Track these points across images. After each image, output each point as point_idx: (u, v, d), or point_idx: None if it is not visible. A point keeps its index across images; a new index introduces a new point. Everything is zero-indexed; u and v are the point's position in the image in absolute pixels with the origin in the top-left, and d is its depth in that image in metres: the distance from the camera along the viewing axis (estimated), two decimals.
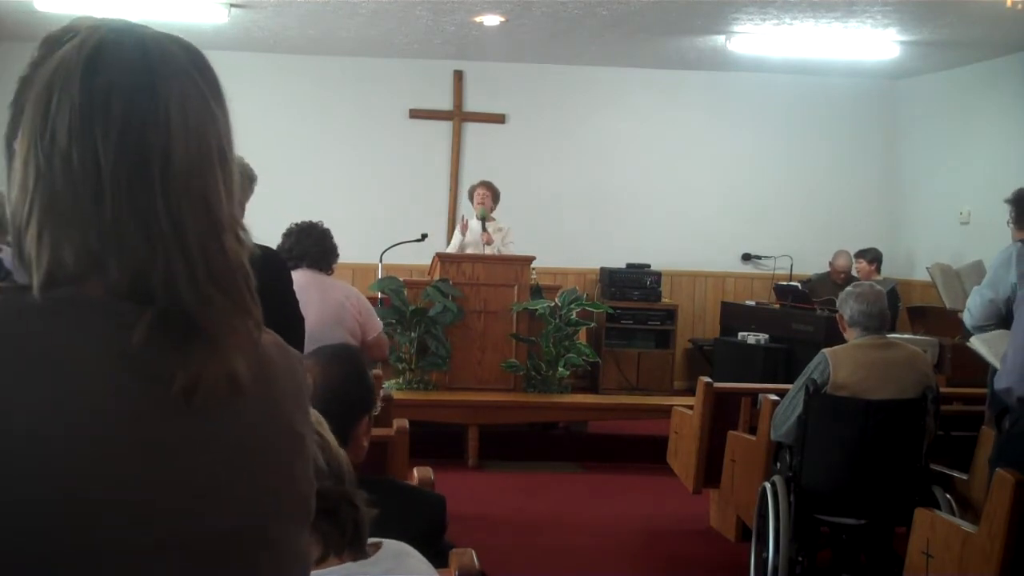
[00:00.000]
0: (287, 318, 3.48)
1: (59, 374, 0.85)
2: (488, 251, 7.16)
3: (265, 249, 3.67)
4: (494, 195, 7.48)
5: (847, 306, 4.07)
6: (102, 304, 0.89)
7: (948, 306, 5.88)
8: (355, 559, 1.38)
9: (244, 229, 0.97)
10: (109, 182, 0.88)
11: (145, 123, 0.90)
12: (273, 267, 3.53)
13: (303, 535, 1.02)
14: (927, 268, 6.91)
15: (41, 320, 0.87)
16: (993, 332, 4.32)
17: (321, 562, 1.38)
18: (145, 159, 0.90)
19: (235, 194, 0.97)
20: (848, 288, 4.19)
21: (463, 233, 7.33)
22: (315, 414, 1.43)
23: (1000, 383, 3.34)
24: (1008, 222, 4.84)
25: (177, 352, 0.88)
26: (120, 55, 0.91)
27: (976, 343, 4.43)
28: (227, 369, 0.90)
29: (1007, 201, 4.83)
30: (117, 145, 0.89)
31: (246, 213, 3.57)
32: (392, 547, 1.44)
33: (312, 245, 4.26)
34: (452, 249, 7.36)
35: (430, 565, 1.49)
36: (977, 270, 5.82)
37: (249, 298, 0.96)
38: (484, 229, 7.27)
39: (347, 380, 2.19)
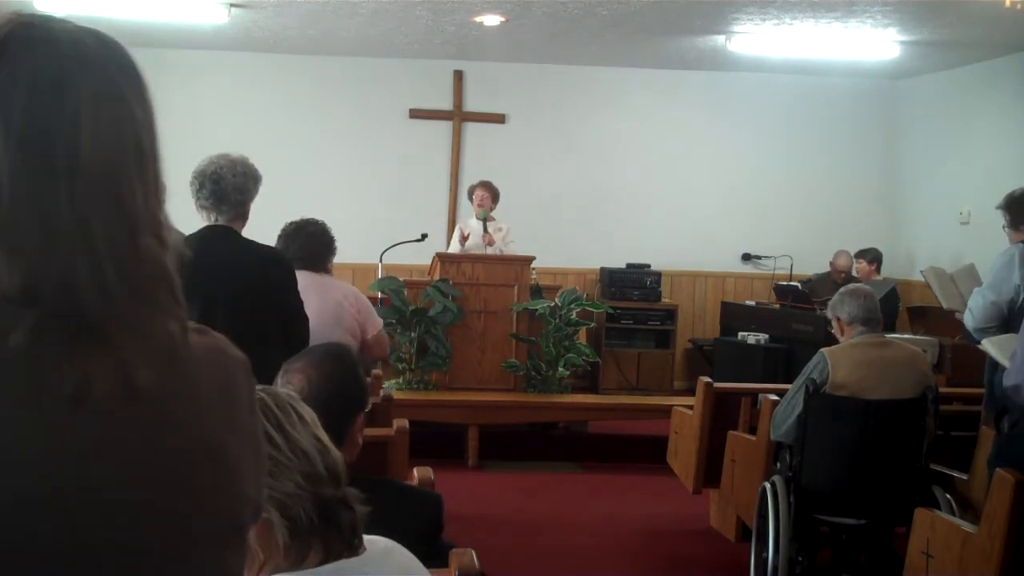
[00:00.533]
0: (292, 318, 3.49)
1: None
2: (490, 251, 7.16)
3: (272, 250, 3.68)
4: (493, 195, 7.47)
5: (844, 306, 4.07)
6: None
7: (945, 307, 5.89)
8: (347, 556, 1.39)
9: (167, 228, 0.94)
10: (8, 181, 0.85)
11: (50, 121, 0.86)
12: (280, 268, 3.54)
13: (225, 551, 0.96)
14: (921, 272, 6.92)
15: None
16: (1004, 335, 4.31)
17: (322, 565, 1.38)
18: (49, 157, 0.86)
19: (157, 192, 0.93)
20: (840, 290, 4.20)
21: (462, 242, 7.31)
22: (310, 414, 1.43)
23: (1009, 380, 3.34)
24: (1004, 227, 4.84)
25: (65, 356, 0.84)
26: (27, 49, 0.88)
27: (987, 345, 4.44)
28: (122, 373, 0.86)
29: (999, 207, 4.84)
30: (19, 143, 0.85)
31: (251, 213, 3.59)
32: (379, 544, 1.44)
33: (299, 249, 4.24)
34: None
35: (418, 561, 1.49)
36: (971, 273, 5.84)
37: (169, 299, 0.92)
38: (485, 230, 7.28)
39: (341, 379, 2.19)
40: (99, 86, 0.90)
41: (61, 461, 0.85)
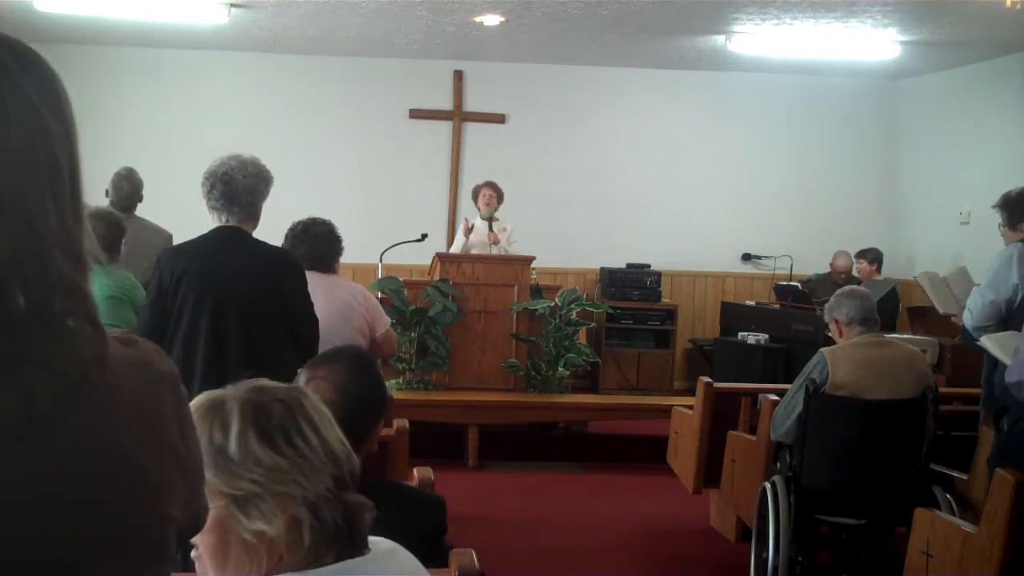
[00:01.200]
0: (303, 319, 3.49)
1: None
2: (494, 251, 7.17)
3: (283, 251, 3.69)
4: (499, 195, 7.49)
5: (842, 308, 4.08)
6: None
7: (941, 311, 5.89)
8: (352, 556, 1.39)
9: (86, 247, 0.89)
10: None
11: None
12: (291, 269, 3.55)
13: (144, 569, 0.94)
14: (914, 278, 6.92)
15: None
16: (1004, 333, 4.32)
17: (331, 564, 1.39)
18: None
19: (76, 210, 0.89)
20: (835, 294, 4.21)
21: (467, 235, 7.32)
22: (326, 415, 1.43)
23: (1011, 377, 3.34)
24: (1000, 226, 4.85)
25: None
26: None
27: (986, 342, 4.44)
28: (23, 400, 0.83)
29: (995, 207, 4.84)
30: None
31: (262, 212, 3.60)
32: (383, 544, 1.44)
33: (306, 250, 4.25)
34: (455, 250, 7.35)
35: (419, 563, 1.49)
36: (963, 275, 5.84)
37: (82, 323, 0.88)
38: (491, 229, 7.28)
39: (364, 386, 2.20)
40: (7, 98, 0.85)
41: None
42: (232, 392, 1.37)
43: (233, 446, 1.31)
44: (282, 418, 1.34)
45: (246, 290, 3.36)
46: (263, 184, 3.51)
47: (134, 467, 0.91)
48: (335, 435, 1.38)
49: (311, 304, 3.53)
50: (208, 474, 1.19)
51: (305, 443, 1.33)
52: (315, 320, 3.52)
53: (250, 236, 3.49)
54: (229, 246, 3.43)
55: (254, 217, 3.52)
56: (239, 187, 3.42)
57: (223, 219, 3.46)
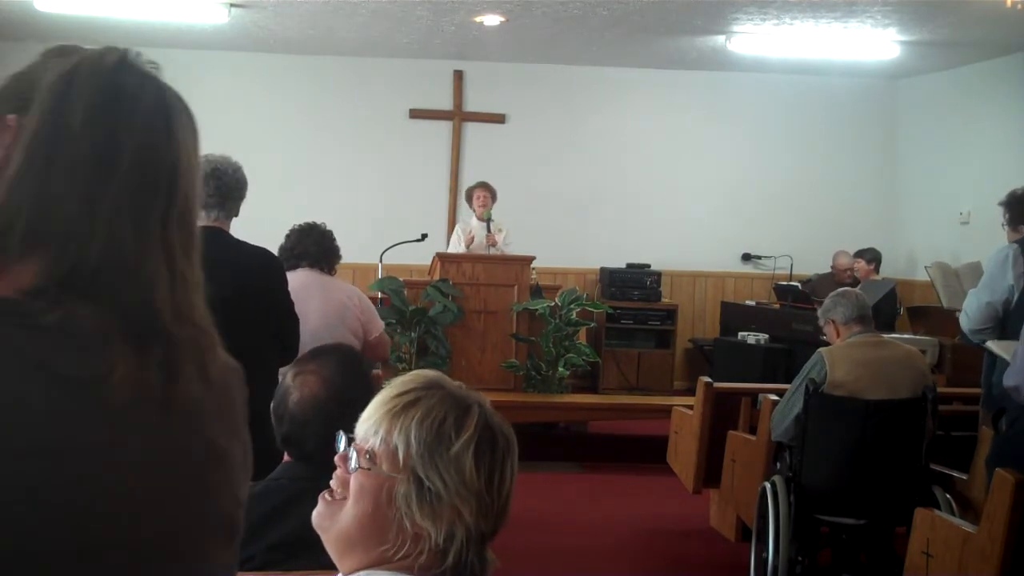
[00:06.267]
0: (285, 317, 3.49)
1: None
2: (492, 252, 7.17)
3: (263, 251, 3.69)
4: (493, 196, 7.51)
5: (838, 308, 4.09)
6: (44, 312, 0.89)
7: (946, 305, 5.89)
8: None
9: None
10: (113, 202, 0.93)
11: (159, 157, 0.96)
12: (273, 268, 3.54)
13: (223, 551, 1.01)
14: (926, 267, 6.92)
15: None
16: (1008, 342, 4.31)
17: None
18: (154, 186, 0.96)
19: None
20: (829, 296, 4.21)
21: (467, 245, 7.32)
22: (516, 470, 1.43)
23: (1009, 380, 3.33)
24: (1002, 224, 4.84)
25: (132, 362, 0.91)
26: (140, 93, 0.98)
27: (991, 345, 4.45)
28: (164, 375, 0.93)
29: (1001, 203, 4.83)
30: (130, 170, 0.94)
31: (247, 213, 3.59)
32: None
33: (312, 245, 4.27)
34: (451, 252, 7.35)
35: None
36: (975, 271, 5.83)
37: (208, 315, 1.01)
38: (489, 230, 7.28)
39: (352, 383, 2.19)
40: (189, 134, 1.02)
41: (106, 455, 0.90)
42: (480, 399, 1.38)
43: (457, 447, 1.30)
44: (502, 451, 1.34)
45: (228, 289, 3.35)
46: (245, 180, 3.50)
47: (221, 451, 1.01)
48: (512, 489, 1.38)
49: (292, 303, 3.53)
50: (415, 445, 1.27)
51: (500, 484, 1.33)
52: (296, 318, 3.53)
53: (230, 235, 3.47)
54: (211, 246, 3.42)
55: (235, 215, 3.51)
56: (229, 181, 3.41)
57: (213, 216, 3.42)
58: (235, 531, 1.03)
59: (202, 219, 3.51)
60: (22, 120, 0.92)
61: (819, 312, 4.28)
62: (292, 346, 3.42)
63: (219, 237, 3.42)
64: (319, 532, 1.34)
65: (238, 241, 3.48)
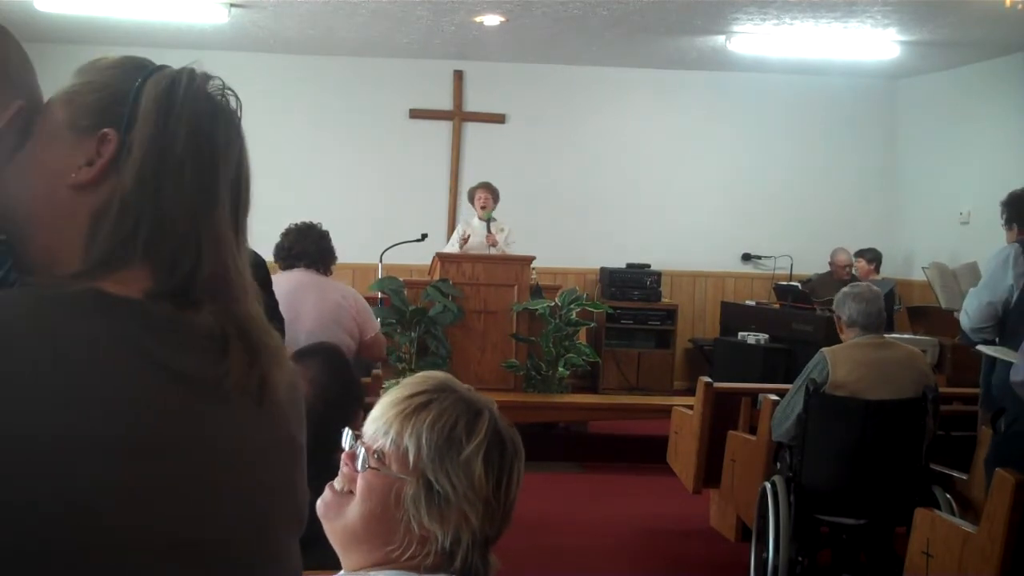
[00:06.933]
0: (271, 317, 3.49)
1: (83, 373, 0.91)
2: (493, 252, 7.17)
3: (250, 251, 3.68)
4: (495, 196, 7.50)
5: (845, 306, 4.08)
6: (141, 305, 0.96)
7: (944, 305, 5.88)
8: None
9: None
10: (188, 206, 1.01)
11: (219, 164, 1.04)
12: (259, 268, 3.54)
13: (295, 542, 1.07)
14: (923, 268, 6.91)
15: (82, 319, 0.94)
16: (1005, 348, 4.31)
17: None
18: (216, 189, 1.03)
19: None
20: (845, 289, 4.20)
21: (462, 243, 7.32)
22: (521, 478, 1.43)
23: (1017, 375, 3.32)
24: (1003, 224, 4.84)
25: (223, 355, 0.98)
26: (226, 117, 1.08)
27: (984, 349, 4.45)
28: (260, 375, 1.01)
29: (1002, 203, 4.83)
30: (197, 173, 1.02)
31: (250, 212, 3.58)
32: None
33: (310, 245, 4.27)
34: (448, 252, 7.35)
35: None
36: (973, 271, 5.83)
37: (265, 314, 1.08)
38: (489, 231, 7.29)
39: (337, 381, 2.19)
40: (243, 142, 1.09)
41: (205, 445, 0.96)
42: (490, 403, 1.39)
43: (467, 451, 1.30)
44: (511, 457, 1.35)
45: None
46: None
47: (298, 444, 1.08)
48: (517, 494, 1.38)
49: (275, 303, 3.53)
50: (426, 448, 1.29)
51: (507, 489, 1.33)
52: (281, 319, 3.53)
53: None
54: None
55: None
56: None
57: None
58: (303, 522, 1.09)
59: None
60: (125, 137, 0.99)
61: (835, 301, 4.26)
62: None
63: None
64: (322, 520, 1.34)
65: None
